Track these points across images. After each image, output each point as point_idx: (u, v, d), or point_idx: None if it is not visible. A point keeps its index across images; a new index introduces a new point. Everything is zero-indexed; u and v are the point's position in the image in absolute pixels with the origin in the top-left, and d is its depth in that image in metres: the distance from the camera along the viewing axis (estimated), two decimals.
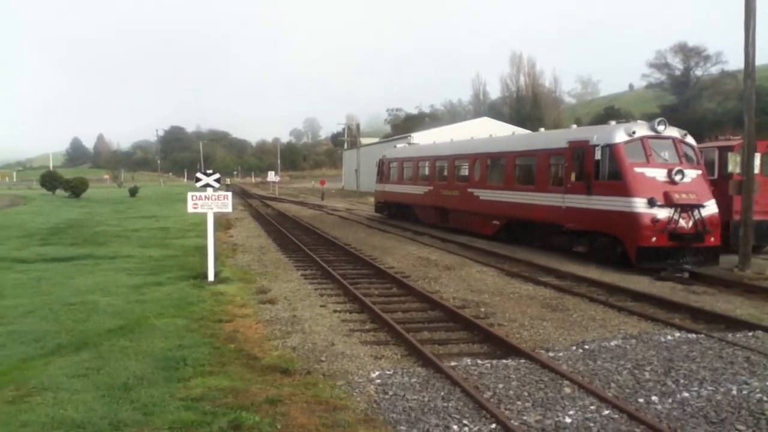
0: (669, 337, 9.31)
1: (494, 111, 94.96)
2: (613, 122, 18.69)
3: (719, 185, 18.60)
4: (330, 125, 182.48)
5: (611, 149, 16.74)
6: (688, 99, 77.05)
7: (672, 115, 74.40)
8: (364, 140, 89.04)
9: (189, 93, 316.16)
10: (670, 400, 6.83)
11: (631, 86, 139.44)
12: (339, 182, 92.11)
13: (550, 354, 8.55)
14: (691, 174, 16.51)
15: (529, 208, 20.13)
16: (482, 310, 11.35)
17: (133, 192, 60.17)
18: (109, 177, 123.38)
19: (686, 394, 6.99)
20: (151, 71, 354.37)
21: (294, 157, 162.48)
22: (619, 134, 16.85)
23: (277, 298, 12.18)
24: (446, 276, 14.92)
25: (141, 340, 8.82)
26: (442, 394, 6.99)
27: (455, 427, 6.12)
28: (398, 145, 41.02)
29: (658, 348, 8.76)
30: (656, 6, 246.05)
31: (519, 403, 6.76)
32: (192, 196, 14.12)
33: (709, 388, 7.19)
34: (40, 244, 21.36)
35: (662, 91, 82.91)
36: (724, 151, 18.81)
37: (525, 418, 6.36)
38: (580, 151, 17.95)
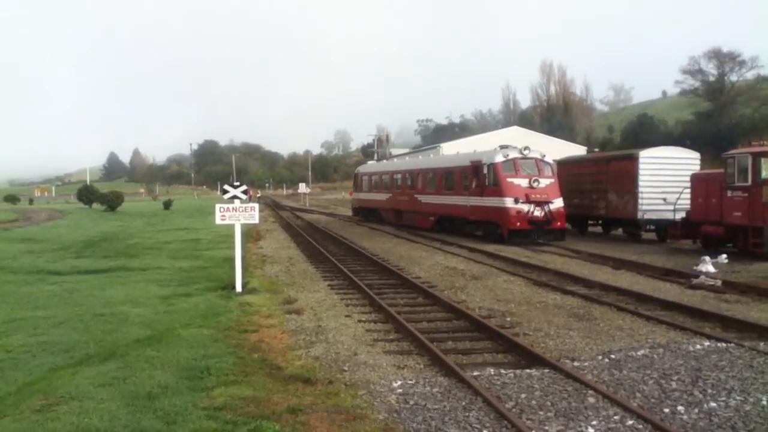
0: (698, 347, 9.12)
1: (524, 120, 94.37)
2: (497, 147, 26.59)
3: (753, 192, 18.24)
4: (361, 137, 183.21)
5: (493, 166, 25.03)
6: (722, 105, 75.65)
7: (706, 122, 73.51)
8: (394, 151, 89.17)
9: (222, 107, 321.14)
10: (696, 410, 6.69)
11: (664, 93, 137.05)
12: None
13: (575, 364, 8.44)
14: (545, 181, 24.53)
15: (451, 207, 28.58)
16: (508, 319, 11.26)
17: (167, 205, 61.22)
18: (145, 190, 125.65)
19: (713, 404, 6.84)
20: (185, 86, 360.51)
21: (325, 168, 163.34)
22: (498, 156, 25.11)
23: (303, 308, 12.24)
24: (473, 286, 14.84)
25: (167, 350, 8.94)
26: (464, 403, 6.94)
27: None
28: (369, 162, 52.00)
29: (686, 357, 8.59)
30: (689, 11, 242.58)
31: (541, 413, 6.68)
32: (220, 208, 14.30)
33: (738, 398, 7.02)
34: (74, 257, 21.82)
35: (696, 97, 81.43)
36: (757, 157, 18.42)
37: (546, 428, 6.28)
38: (476, 167, 26.27)
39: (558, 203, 24.32)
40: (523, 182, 24.21)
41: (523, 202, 23.72)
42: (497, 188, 24.51)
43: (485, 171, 25.50)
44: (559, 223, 24.20)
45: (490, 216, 25.17)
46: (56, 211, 59.41)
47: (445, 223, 29.41)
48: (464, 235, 26.70)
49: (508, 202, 23.84)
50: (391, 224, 35.18)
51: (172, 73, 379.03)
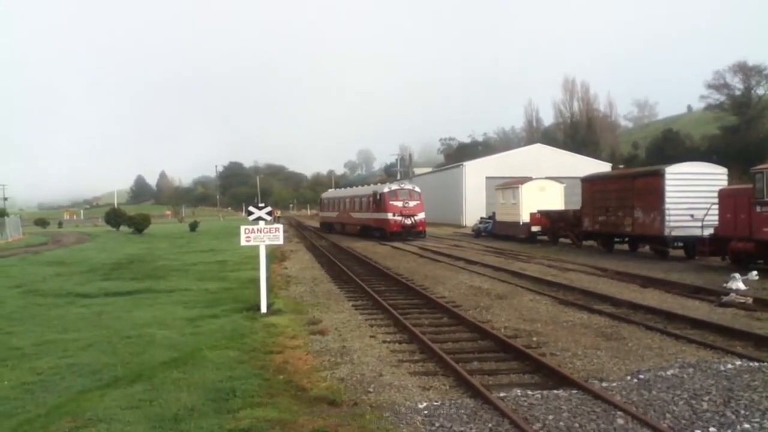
0: (729, 366, 8.93)
1: (548, 137, 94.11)
2: (387, 183, 49.18)
3: None
4: (383, 156, 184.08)
5: (383, 194, 40.81)
6: (749, 119, 74.81)
7: (733, 136, 72.60)
8: (417, 170, 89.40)
9: (247, 129, 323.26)
10: None
11: (689, 108, 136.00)
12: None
13: (604, 384, 8.32)
14: (413, 203, 40.42)
15: (365, 220, 44.54)
16: (534, 339, 11.14)
17: (193, 227, 61.80)
18: (171, 213, 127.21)
19: (747, 426, 6.68)
20: (210, 109, 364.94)
21: None
22: (386, 188, 42.11)
23: (328, 329, 12.24)
24: (498, 305, 14.73)
25: (193, 372, 8.99)
26: (490, 425, 6.87)
27: None
28: (329, 190, 70.83)
29: (718, 377, 8.42)
30: (713, 25, 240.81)
31: None
32: (245, 229, 14.40)
33: None
34: (102, 279, 22.10)
35: (722, 111, 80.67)
36: None
37: None
38: (375, 195, 42.09)
39: (420, 216, 40.60)
40: (399, 204, 40.27)
41: (398, 215, 39.88)
42: (384, 207, 40.35)
43: (378, 197, 41.39)
44: (420, 228, 40.45)
45: (380, 224, 41.18)
46: (85, 234, 60.31)
47: (365, 231, 44.43)
48: (371, 237, 42.10)
49: (389, 215, 39.96)
50: (338, 232, 51.93)
51: (198, 97, 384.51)
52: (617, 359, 9.57)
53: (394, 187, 42.35)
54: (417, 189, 42.62)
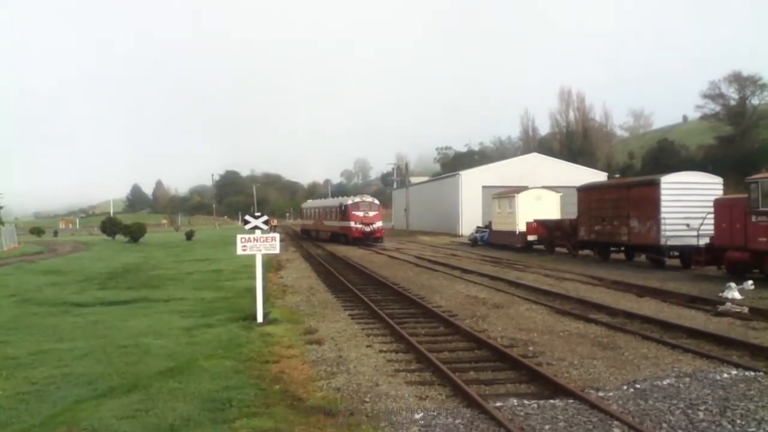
0: (725, 376, 8.95)
1: (544, 147, 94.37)
2: (352, 196, 55.34)
3: None
4: (380, 165, 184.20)
5: (346, 206, 47.89)
6: (745, 129, 75.20)
7: (728, 146, 72.93)
8: (413, 179, 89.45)
9: (243, 138, 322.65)
10: None
11: (685, 118, 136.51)
12: (389, 222, 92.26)
13: (600, 394, 8.32)
14: (372, 213, 47.53)
15: (333, 227, 51.71)
16: (530, 349, 11.14)
17: (189, 236, 61.69)
18: (167, 222, 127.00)
19: None
20: (207, 118, 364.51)
21: None
22: (349, 201, 48.82)
23: (324, 338, 12.23)
24: (494, 314, 14.73)
25: (189, 382, 8.96)
26: None
27: None
28: (308, 201, 79.22)
29: (714, 387, 8.43)
30: (708, 36, 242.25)
31: None
32: (241, 238, 14.37)
33: None
34: (97, 289, 22.03)
35: (717, 121, 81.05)
36: None
37: None
38: (341, 206, 49.18)
39: (378, 224, 47.26)
40: (361, 214, 46.78)
41: (359, 224, 46.31)
42: (347, 217, 47.01)
43: (343, 208, 48.28)
44: (378, 234, 46.99)
45: (344, 231, 47.88)
46: (80, 243, 60.12)
47: (334, 237, 51.37)
48: (338, 242, 49.25)
49: (352, 224, 46.44)
50: (314, 238, 59.02)
51: (195, 106, 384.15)
52: (613, 369, 9.58)
53: (357, 199, 49.39)
54: (376, 201, 49.98)
